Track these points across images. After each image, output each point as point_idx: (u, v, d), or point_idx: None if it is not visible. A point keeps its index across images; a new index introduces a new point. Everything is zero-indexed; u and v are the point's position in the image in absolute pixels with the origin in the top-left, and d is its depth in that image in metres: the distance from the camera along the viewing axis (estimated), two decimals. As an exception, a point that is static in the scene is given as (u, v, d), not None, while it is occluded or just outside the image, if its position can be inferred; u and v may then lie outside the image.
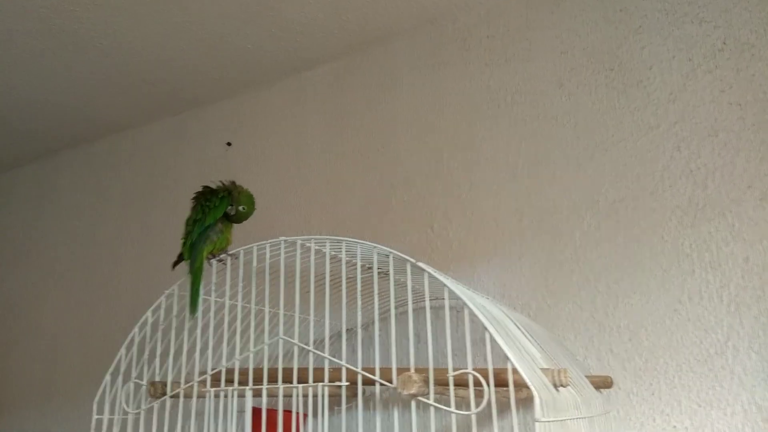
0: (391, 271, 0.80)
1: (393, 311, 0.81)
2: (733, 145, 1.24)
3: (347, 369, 0.78)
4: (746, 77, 1.26)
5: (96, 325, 2.06)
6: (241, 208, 1.08)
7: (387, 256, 0.82)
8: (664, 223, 1.27)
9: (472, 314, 0.72)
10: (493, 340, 0.69)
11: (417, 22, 1.69)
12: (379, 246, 0.84)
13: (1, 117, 2.16)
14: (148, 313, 0.97)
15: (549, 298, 1.35)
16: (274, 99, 1.95)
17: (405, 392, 0.69)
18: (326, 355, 0.79)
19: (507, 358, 0.68)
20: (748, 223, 1.19)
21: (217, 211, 1.05)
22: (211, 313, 0.93)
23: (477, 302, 0.75)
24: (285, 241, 0.91)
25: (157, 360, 0.96)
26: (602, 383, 1.17)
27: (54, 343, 2.15)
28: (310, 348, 0.81)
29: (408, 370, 0.74)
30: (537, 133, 1.47)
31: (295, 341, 0.83)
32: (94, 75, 1.90)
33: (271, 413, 1.05)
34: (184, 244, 1.04)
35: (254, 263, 0.93)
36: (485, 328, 0.70)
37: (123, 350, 0.97)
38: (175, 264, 1.07)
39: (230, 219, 1.08)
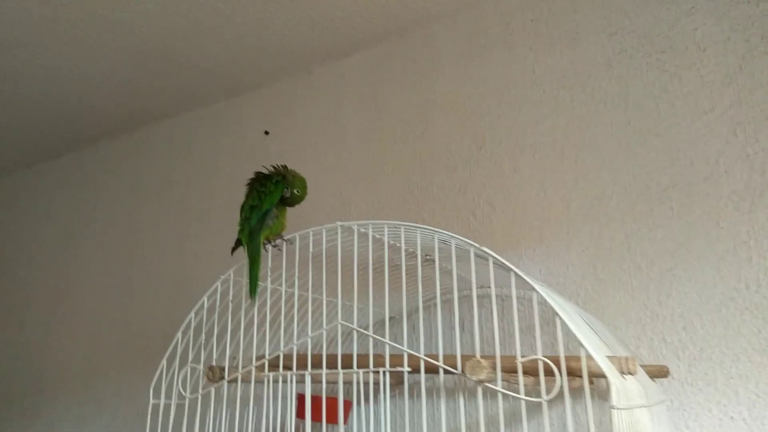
0: (453, 258, 0.78)
1: (456, 297, 0.80)
2: (793, 128, 1.20)
3: (409, 355, 0.77)
4: (809, 57, 1.21)
5: (136, 311, 2.09)
6: (295, 191, 1.08)
7: (447, 242, 0.81)
8: (720, 210, 1.24)
9: (541, 300, 0.70)
10: (564, 326, 0.67)
11: (457, 5, 1.66)
12: (440, 231, 0.82)
13: (43, 105, 2.18)
14: (204, 298, 0.98)
15: (598, 287, 1.33)
16: (312, 86, 1.94)
17: (474, 378, 0.67)
18: (387, 340, 0.78)
19: (580, 345, 0.66)
20: (811, 209, 1.15)
21: (273, 196, 1.05)
22: (268, 298, 0.93)
23: (541, 289, 0.73)
24: (341, 226, 0.90)
25: (214, 344, 0.96)
26: (657, 372, 1.15)
27: (95, 328, 2.19)
28: (370, 333, 0.80)
29: (472, 356, 0.73)
30: (585, 117, 1.44)
31: (354, 326, 0.82)
32: (132, 62, 1.91)
33: (318, 400, 1.04)
34: (242, 230, 1.03)
35: (311, 248, 0.92)
36: (556, 314, 0.68)
37: (179, 335, 0.97)
38: (234, 250, 1.07)
39: (285, 203, 1.08)
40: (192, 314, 0.97)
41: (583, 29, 1.49)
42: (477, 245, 0.79)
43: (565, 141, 1.45)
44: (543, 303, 0.72)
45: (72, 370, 2.21)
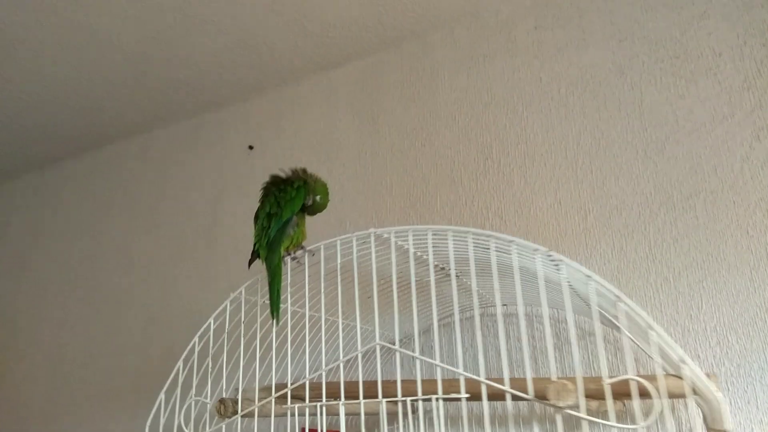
0: (515, 262, 0.68)
1: (500, 312, 0.70)
2: (820, 132, 1.16)
3: (467, 379, 0.66)
4: (830, 60, 1.18)
5: (104, 342, 1.91)
6: (317, 198, 0.96)
7: (505, 249, 0.71)
8: (749, 217, 1.18)
9: (630, 312, 0.60)
10: (660, 341, 0.58)
11: (456, 14, 1.60)
12: (497, 234, 0.73)
13: (2, 120, 2.01)
14: (211, 320, 0.85)
15: (623, 301, 1.25)
16: (301, 98, 1.84)
17: (562, 404, 0.57)
18: (438, 362, 0.67)
19: (681, 362, 0.57)
20: None
21: (295, 203, 0.94)
22: (288, 319, 0.81)
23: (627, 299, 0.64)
24: (375, 233, 0.79)
25: (224, 372, 0.83)
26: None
27: (58, 359, 1.99)
28: (416, 354, 0.69)
29: (548, 379, 0.63)
30: (598, 124, 1.38)
31: (396, 347, 0.71)
32: (105, 75, 1.77)
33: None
34: (259, 241, 0.91)
35: (338, 259, 0.81)
36: (650, 327, 0.59)
37: (180, 364, 0.84)
38: (251, 263, 0.94)
39: (305, 211, 0.97)
40: (196, 339, 0.84)
41: (590, 36, 1.45)
42: (545, 248, 0.70)
43: (578, 149, 1.39)
44: (636, 314, 0.63)
45: (32, 411, 1.99)
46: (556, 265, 0.68)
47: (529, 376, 0.64)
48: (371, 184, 1.62)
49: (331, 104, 1.78)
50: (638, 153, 1.32)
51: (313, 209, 0.98)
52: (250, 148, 1.89)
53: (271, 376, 0.79)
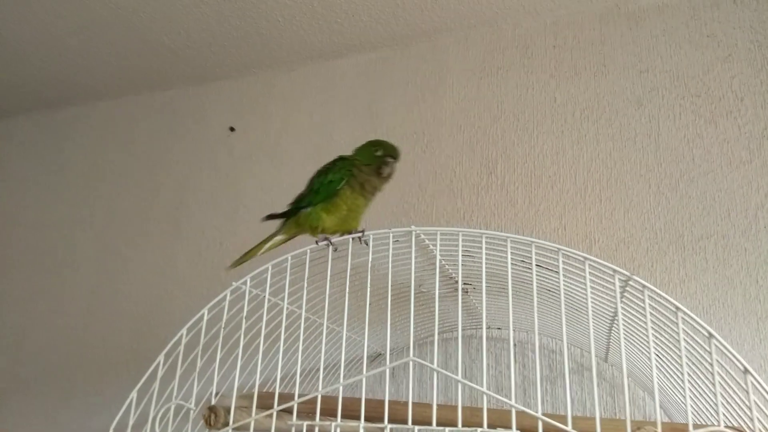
0: (587, 284, 0.60)
1: (565, 335, 0.61)
2: (837, 189, 1.15)
3: (518, 412, 0.57)
4: None
5: (71, 327, 1.70)
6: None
7: (578, 264, 0.63)
8: (759, 266, 1.15)
9: (723, 348, 0.53)
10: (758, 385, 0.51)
11: (473, 21, 1.53)
12: (564, 248, 0.64)
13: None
14: (204, 311, 0.71)
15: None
16: (294, 85, 1.72)
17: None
18: (485, 389, 0.58)
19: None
20: None
21: (365, 153, 0.90)
22: (301, 324, 0.69)
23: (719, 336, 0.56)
24: (415, 231, 0.69)
25: (216, 374, 0.70)
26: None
27: (19, 339, 1.75)
28: (458, 377, 0.59)
29: (615, 420, 0.54)
30: (611, 153, 1.33)
31: (434, 366, 0.60)
32: (77, 27, 1.60)
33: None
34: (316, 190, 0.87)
35: (370, 257, 0.70)
36: (746, 370, 0.52)
37: (161, 358, 0.70)
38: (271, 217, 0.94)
39: (373, 184, 0.89)
40: (183, 331, 0.71)
41: (611, 63, 1.41)
42: (626, 272, 0.62)
43: (588, 176, 1.33)
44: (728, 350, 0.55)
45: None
46: (640, 291, 0.60)
47: (598, 413, 0.55)
48: (363, 184, 1.52)
49: (326, 96, 1.67)
50: (650, 187, 1.28)
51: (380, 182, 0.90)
52: (232, 129, 1.75)
53: (275, 381, 0.66)
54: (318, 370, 0.72)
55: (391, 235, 0.71)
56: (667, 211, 1.25)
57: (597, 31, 1.45)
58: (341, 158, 0.96)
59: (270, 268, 0.72)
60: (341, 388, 0.63)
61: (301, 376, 0.73)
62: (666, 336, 0.67)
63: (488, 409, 0.59)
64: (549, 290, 0.79)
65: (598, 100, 1.39)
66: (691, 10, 1.37)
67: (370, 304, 0.72)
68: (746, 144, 1.24)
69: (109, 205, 1.80)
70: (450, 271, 0.87)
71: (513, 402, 0.57)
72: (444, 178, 1.44)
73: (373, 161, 0.92)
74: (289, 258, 0.73)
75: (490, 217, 1.37)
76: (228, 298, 0.71)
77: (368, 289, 0.71)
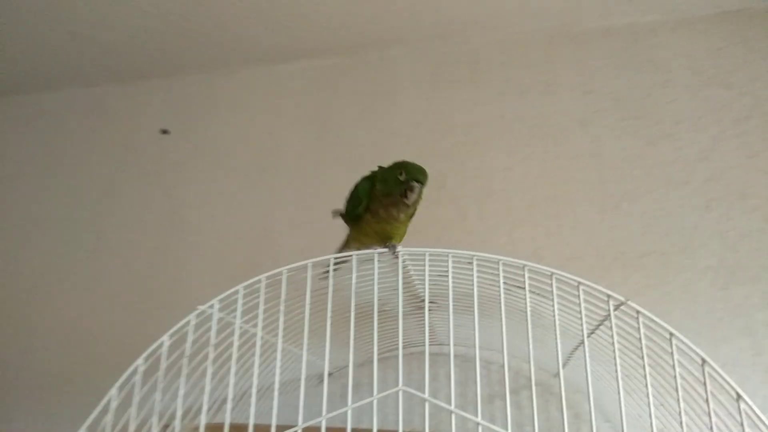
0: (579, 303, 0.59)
1: (560, 358, 0.60)
2: (762, 211, 1.23)
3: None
4: (775, 147, 1.27)
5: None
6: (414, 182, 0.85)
7: (576, 285, 0.62)
8: (696, 284, 1.21)
9: (715, 375, 0.54)
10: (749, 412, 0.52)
11: (425, 34, 1.52)
12: (559, 273, 0.63)
13: None
14: (165, 338, 0.65)
15: (573, 353, 1.22)
16: (238, 88, 1.64)
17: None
18: (479, 419, 0.56)
19: None
20: (781, 292, 1.17)
21: (390, 177, 0.85)
22: (279, 353, 0.64)
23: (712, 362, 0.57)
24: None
25: (179, 412, 0.63)
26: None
27: None
28: (452, 408, 0.56)
29: None
30: (558, 172, 1.36)
31: (425, 396, 0.58)
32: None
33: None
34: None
35: (352, 280, 0.66)
36: (739, 397, 0.53)
37: (114, 392, 0.63)
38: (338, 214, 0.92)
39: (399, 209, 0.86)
40: (140, 361, 0.64)
41: (556, 83, 1.45)
42: (620, 297, 0.62)
43: (536, 193, 1.36)
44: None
45: None
46: (635, 317, 0.60)
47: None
48: (310, 195, 1.47)
49: (272, 101, 1.60)
50: (594, 205, 1.32)
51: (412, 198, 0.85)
52: (165, 132, 1.64)
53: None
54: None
55: (375, 256, 0.68)
56: (611, 229, 1.29)
57: (544, 51, 1.48)
58: (365, 179, 0.91)
59: (240, 291, 0.67)
60: (324, 422, 0.59)
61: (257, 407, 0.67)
62: (644, 358, 0.68)
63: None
64: (521, 311, 0.79)
65: (545, 120, 1.42)
66: (633, 35, 1.43)
67: (332, 324, 0.68)
68: (683, 166, 1.30)
69: (26, 209, 1.64)
70: (418, 289, 0.85)
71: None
72: (395, 191, 1.42)
73: (396, 187, 0.85)
74: (263, 279, 0.67)
75: (441, 232, 1.36)
76: (193, 322, 0.65)
77: (353, 307, 0.67)
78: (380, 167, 0.93)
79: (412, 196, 0.84)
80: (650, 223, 1.28)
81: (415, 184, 0.84)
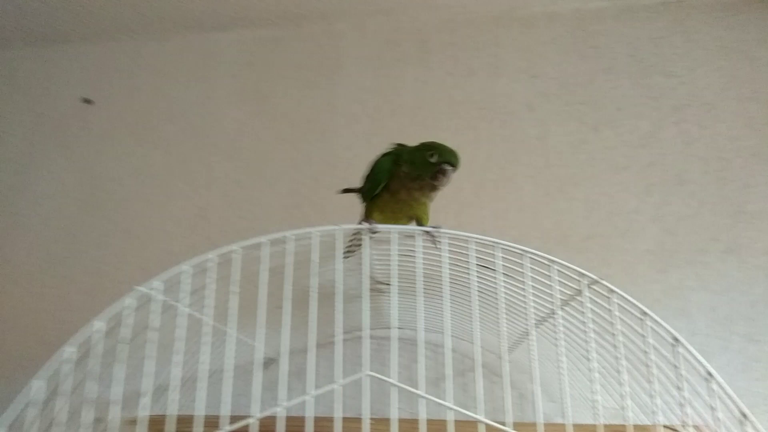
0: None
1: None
2: (698, 196, 1.27)
3: (489, 426, 0.53)
4: (709, 135, 1.32)
5: None
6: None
7: (550, 262, 0.60)
8: (636, 266, 1.24)
9: (687, 354, 0.53)
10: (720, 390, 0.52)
11: (372, 8, 1.47)
12: (531, 251, 0.61)
13: None
14: (101, 323, 0.57)
15: (519, 336, 1.22)
16: (168, 57, 1.53)
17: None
18: (451, 405, 0.53)
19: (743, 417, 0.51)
20: (714, 275, 1.21)
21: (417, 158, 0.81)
22: (233, 341, 0.58)
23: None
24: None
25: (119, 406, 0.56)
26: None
27: None
28: (422, 393, 0.53)
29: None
30: (505, 154, 1.36)
31: (394, 381, 0.54)
32: None
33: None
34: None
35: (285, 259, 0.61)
36: (710, 375, 0.52)
37: (41, 383, 0.55)
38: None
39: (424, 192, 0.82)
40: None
41: (504, 65, 1.44)
42: (593, 275, 0.60)
43: (483, 176, 1.35)
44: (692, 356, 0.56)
45: None
46: (608, 296, 0.59)
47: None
48: (249, 173, 1.39)
49: (206, 72, 1.51)
50: (540, 188, 1.32)
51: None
52: (87, 101, 1.51)
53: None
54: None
55: (339, 231, 0.63)
56: (556, 212, 1.30)
57: (492, 33, 1.47)
58: (385, 157, 0.86)
59: (182, 272, 0.60)
60: (282, 411, 0.54)
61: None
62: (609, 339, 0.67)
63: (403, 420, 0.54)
64: (482, 291, 0.77)
65: (493, 102, 1.41)
66: (578, 20, 1.44)
67: (271, 307, 0.63)
68: (625, 152, 1.33)
69: None
70: (375, 271, 0.81)
71: (482, 417, 0.52)
72: (340, 170, 1.37)
73: (426, 168, 0.80)
74: (216, 258, 0.61)
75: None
76: (130, 305, 0.58)
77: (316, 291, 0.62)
78: (401, 145, 0.87)
79: (444, 180, 0.79)
80: (593, 206, 1.29)
81: (448, 168, 0.79)
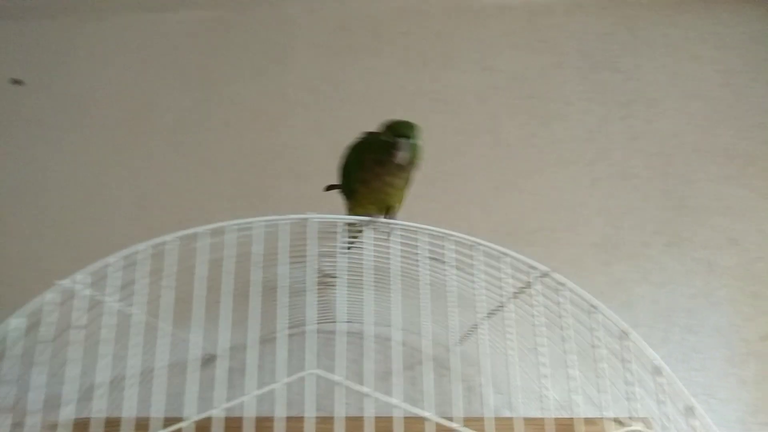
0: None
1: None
2: (642, 190, 1.30)
3: (439, 424, 0.51)
4: (654, 130, 1.35)
5: None
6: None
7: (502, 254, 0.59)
8: (581, 259, 1.26)
9: (635, 347, 0.53)
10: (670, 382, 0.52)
11: (322, -7, 1.43)
12: (485, 243, 0.59)
13: None
14: (12, 320, 0.52)
15: (468, 328, 1.21)
16: (106, 37, 1.45)
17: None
18: (399, 402, 0.51)
19: (694, 410, 0.51)
20: (656, 268, 1.24)
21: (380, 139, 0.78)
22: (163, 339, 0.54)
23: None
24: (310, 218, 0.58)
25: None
26: None
27: None
28: (369, 391, 0.51)
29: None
30: (457, 147, 1.35)
31: (339, 378, 0.52)
32: None
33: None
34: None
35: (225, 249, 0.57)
36: (659, 370, 0.52)
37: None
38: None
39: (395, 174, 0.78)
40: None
41: (456, 56, 1.43)
42: (544, 268, 0.59)
43: (435, 169, 1.32)
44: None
45: None
46: (558, 289, 0.58)
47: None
48: (193, 161, 1.33)
49: (147, 54, 1.43)
50: (490, 182, 1.32)
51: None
52: (17, 82, 1.41)
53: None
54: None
55: (281, 222, 0.59)
56: (505, 205, 1.30)
57: (444, 23, 1.46)
58: (352, 148, 0.84)
59: (110, 265, 0.56)
60: (220, 413, 0.51)
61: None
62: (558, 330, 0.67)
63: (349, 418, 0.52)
64: (431, 284, 0.75)
65: (444, 94, 1.40)
66: (528, 14, 1.45)
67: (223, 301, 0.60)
68: (573, 146, 1.34)
69: None
70: (323, 263, 0.79)
71: (433, 414, 0.51)
72: (289, 160, 1.33)
73: (385, 149, 0.76)
74: (149, 249, 0.57)
75: (340, 206, 1.29)
76: (51, 300, 0.53)
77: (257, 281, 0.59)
78: (370, 133, 0.83)
79: (402, 155, 0.74)
80: (541, 200, 1.30)
81: (403, 141, 0.75)
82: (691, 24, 1.42)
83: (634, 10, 1.43)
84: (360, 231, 0.70)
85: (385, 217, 0.71)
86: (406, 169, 0.78)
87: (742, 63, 1.39)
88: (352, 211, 0.85)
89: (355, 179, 0.80)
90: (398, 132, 0.76)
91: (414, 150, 0.77)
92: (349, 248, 0.78)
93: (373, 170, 0.77)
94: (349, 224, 0.69)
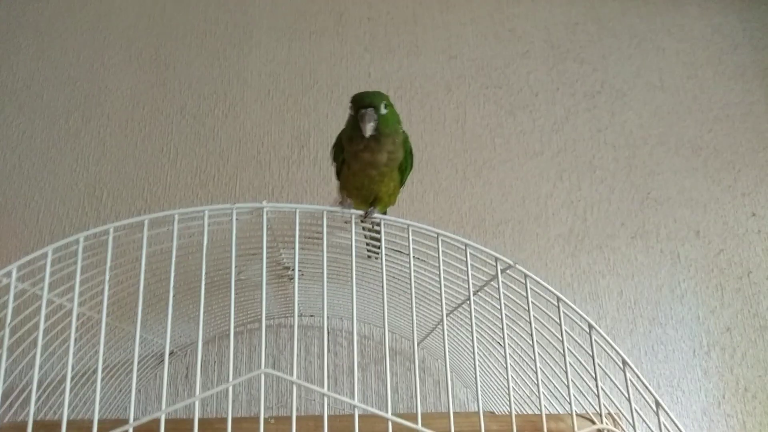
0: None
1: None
2: (608, 182, 1.30)
3: (394, 423, 0.49)
4: (620, 122, 1.34)
5: None
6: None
7: (463, 246, 0.56)
8: (548, 251, 1.25)
9: (601, 338, 0.51)
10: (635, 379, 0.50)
11: (285, -24, 1.38)
12: (444, 233, 0.57)
13: None
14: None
15: (433, 321, 1.19)
16: (54, 16, 1.37)
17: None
18: (355, 402, 0.48)
19: (658, 405, 0.49)
20: (622, 259, 1.24)
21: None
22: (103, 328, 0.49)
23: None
24: (265, 207, 0.55)
25: None
26: None
27: None
28: (325, 390, 0.48)
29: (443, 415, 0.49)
30: (423, 135, 1.32)
31: (293, 378, 0.48)
32: None
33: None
34: None
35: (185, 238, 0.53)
36: (626, 364, 0.50)
37: None
38: None
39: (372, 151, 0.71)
40: None
41: (423, 44, 1.40)
42: (508, 260, 0.57)
43: (400, 157, 1.30)
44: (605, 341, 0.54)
45: None
46: (522, 282, 0.56)
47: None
48: (148, 149, 1.27)
49: (98, 35, 1.36)
50: (458, 172, 1.30)
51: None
52: (-43, 64, 1.32)
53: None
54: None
55: (234, 211, 0.55)
56: (472, 196, 1.28)
57: (410, 9, 1.42)
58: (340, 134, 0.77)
59: (49, 254, 0.51)
60: (163, 417, 0.47)
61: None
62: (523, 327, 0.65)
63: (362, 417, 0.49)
64: (400, 277, 0.73)
65: (411, 81, 1.37)
66: (496, 3, 1.43)
67: (173, 295, 0.56)
68: (539, 137, 1.33)
69: None
70: (282, 255, 0.75)
71: (388, 414, 0.48)
72: (250, 148, 1.28)
73: (353, 126, 0.70)
74: (81, 240, 0.52)
75: (302, 194, 1.26)
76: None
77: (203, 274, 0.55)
78: None
79: (368, 126, 0.67)
80: (508, 191, 1.29)
81: (366, 111, 0.68)
82: (656, 16, 1.42)
83: (602, 2, 1.42)
84: (378, 224, 0.65)
85: (369, 208, 0.66)
86: (383, 143, 0.71)
87: (707, 56, 1.40)
88: (343, 201, 0.79)
89: (340, 162, 0.76)
90: (360, 103, 0.69)
91: (382, 119, 0.69)
92: (372, 251, 0.74)
93: (350, 149, 0.72)
94: (362, 218, 0.64)
